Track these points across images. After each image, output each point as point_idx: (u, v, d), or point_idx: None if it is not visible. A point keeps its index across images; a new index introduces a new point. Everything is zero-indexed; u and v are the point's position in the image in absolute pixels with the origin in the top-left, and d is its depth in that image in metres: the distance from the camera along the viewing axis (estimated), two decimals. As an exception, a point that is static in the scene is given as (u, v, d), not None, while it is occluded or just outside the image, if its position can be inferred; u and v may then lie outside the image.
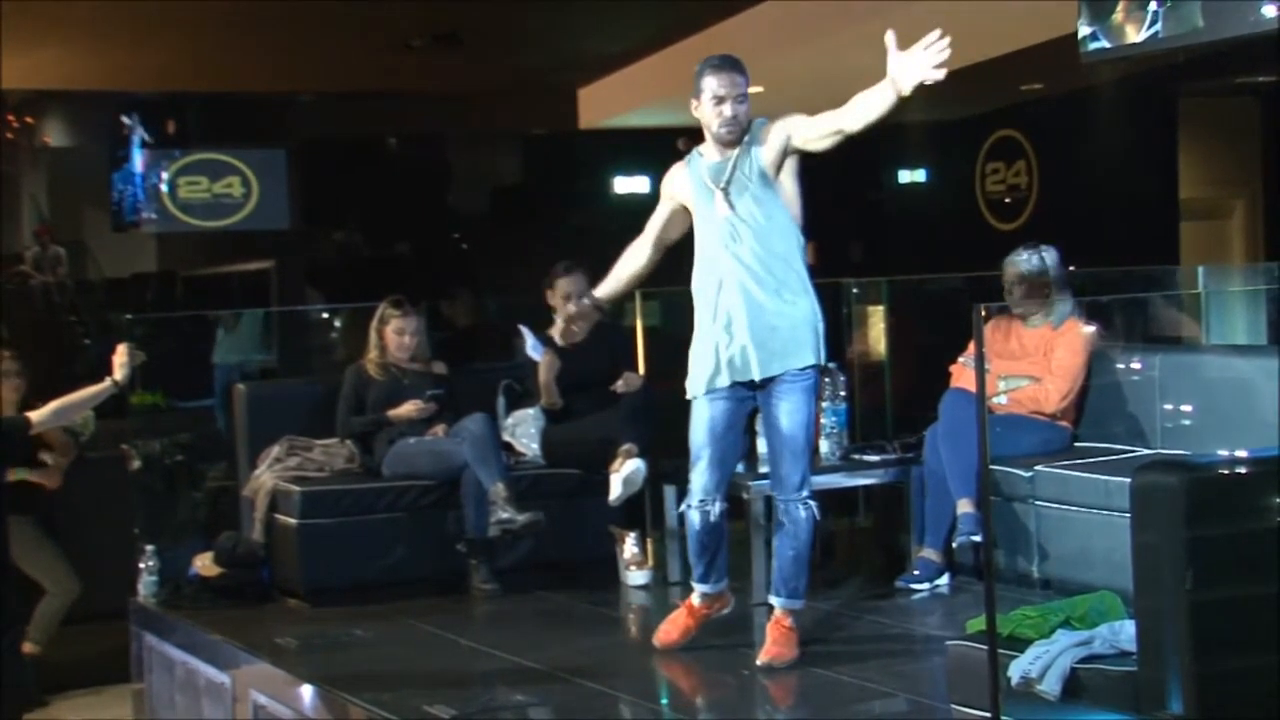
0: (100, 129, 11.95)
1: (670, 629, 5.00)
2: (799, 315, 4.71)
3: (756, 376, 4.71)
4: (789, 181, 4.75)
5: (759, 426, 5.24)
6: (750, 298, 4.68)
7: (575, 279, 6.36)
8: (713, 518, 4.78)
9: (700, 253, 4.81)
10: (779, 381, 4.71)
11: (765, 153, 4.71)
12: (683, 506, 4.90)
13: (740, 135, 4.74)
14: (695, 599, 4.97)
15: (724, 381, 4.75)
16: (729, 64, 4.74)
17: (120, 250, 12.24)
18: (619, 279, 5.04)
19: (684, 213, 4.90)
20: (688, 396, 4.85)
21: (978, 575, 5.54)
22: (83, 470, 7.37)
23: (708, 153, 4.82)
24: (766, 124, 4.75)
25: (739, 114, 4.71)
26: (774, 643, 4.74)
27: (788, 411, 4.71)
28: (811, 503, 4.76)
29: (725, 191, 4.72)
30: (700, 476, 4.78)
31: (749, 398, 4.80)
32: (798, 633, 4.79)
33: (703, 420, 4.78)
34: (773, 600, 4.82)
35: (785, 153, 4.71)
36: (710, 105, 4.72)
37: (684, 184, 4.87)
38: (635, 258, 5.00)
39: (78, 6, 8.73)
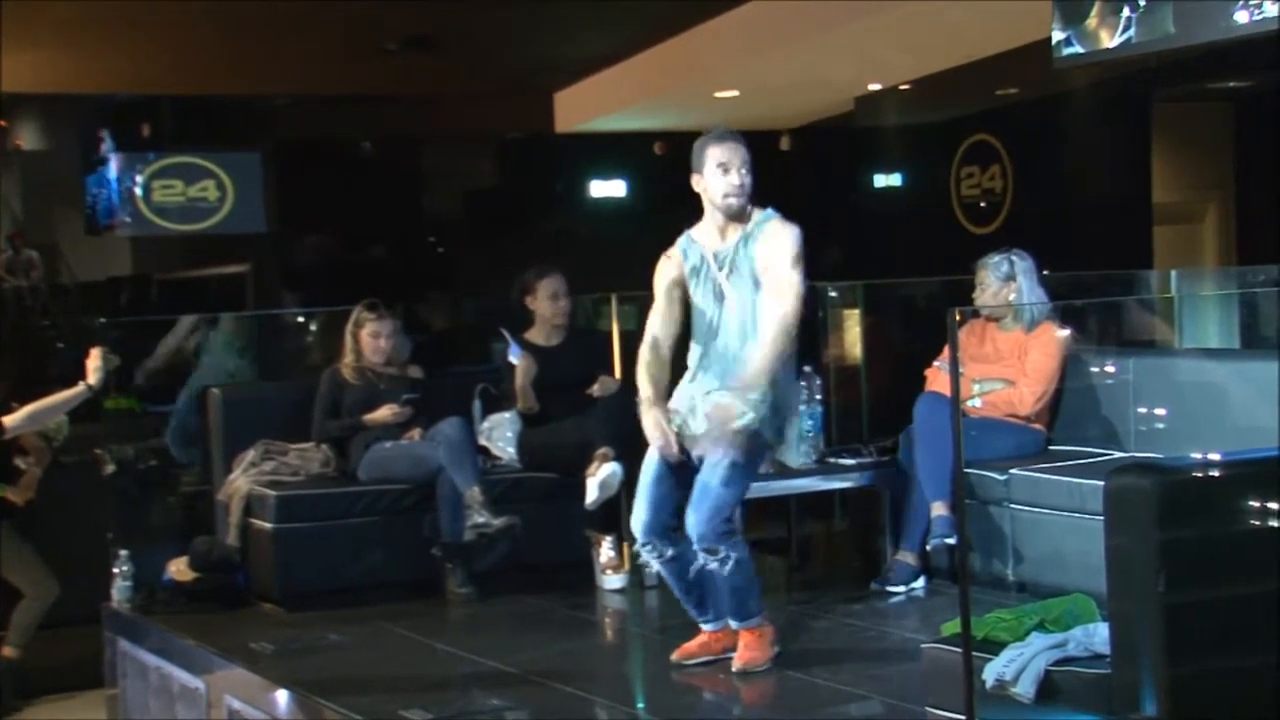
0: (74, 132, 11.91)
1: (688, 644, 4.89)
2: (750, 407, 4.55)
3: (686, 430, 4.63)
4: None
5: None
6: (721, 381, 4.62)
7: (556, 278, 6.40)
8: (657, 561, 4.73)
9: (691, 320, 4.76)
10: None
11: (760, 253, 4.59)
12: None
13: (743, 208, 4.64)
14: (705, 627, 4.89)
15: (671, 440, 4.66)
16: (731, 135, 4.67)
17: (94, 254, 12.21)
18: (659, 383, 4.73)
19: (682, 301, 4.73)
20: None
21: (953, 578, 5.55)
22: (56, 475, 7.34)
23: (704, 239, 4.72)
24: (771, 220, 4.64)
25: (745, 183, 4.62)
26: (747, 647, 4.74)
27: (712, 462, 4.57)
28: (732, 555, 4.58)
29: (714, 282, 4.65)
30: (636, 519, 4.73)
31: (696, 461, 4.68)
32: (770, 634, 4.79)
33: (646, 463, 4.74)
34: (731, 624, 4.80)
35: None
36: (716, 174, 4.62)
37: (678, 271, 4.73)
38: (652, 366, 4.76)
39: (52, 9, 8.71)
